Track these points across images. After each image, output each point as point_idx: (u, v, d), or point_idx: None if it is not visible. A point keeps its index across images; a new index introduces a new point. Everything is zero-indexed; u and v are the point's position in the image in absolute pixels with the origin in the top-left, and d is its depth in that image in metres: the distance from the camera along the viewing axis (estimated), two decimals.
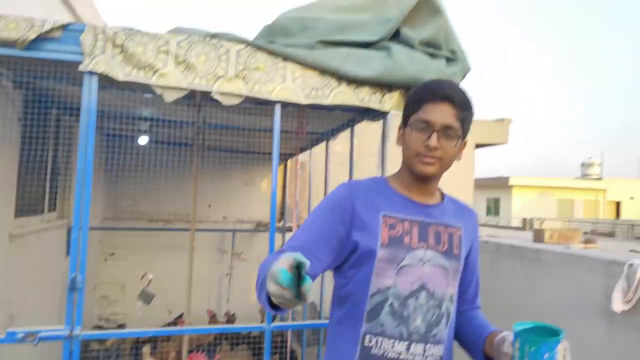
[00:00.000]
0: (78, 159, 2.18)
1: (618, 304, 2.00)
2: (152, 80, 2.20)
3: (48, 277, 3.73)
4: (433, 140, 1.27)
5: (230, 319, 5.48)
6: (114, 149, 4.19)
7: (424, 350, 1.28)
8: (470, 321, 1.43)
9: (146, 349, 4.20)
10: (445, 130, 1.29)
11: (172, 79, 2.23)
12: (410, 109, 1.35)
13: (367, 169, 4.48)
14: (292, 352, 4.51)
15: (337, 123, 3.85)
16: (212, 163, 5.02)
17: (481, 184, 26.91)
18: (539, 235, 2.99)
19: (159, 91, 2.24)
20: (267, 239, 2.60)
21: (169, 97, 2.24)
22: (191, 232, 4.07)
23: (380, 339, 1.27)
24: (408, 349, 1.27)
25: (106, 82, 2.25)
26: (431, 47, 2.53)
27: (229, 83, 2.31)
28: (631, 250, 2.61)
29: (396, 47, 2.44)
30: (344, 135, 4.16)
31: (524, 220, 20.37)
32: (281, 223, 6.08)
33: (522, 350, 1.09)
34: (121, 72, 2.17)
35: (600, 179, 29.57)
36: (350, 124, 3.75)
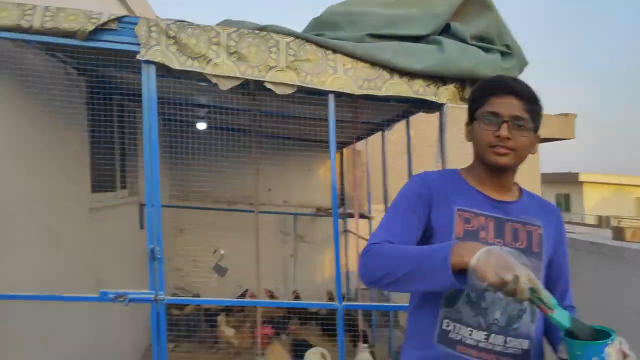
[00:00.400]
0: (143, 142, 2.31)
1: None
2: (207, 69, 2.27)
3: (125, 247, 4.04)
4: (504, 130, 1.27)
5: (297, 297, 5.70)
6: (175, 133, 4.35)
7: (505, 342, 1.28)
8: None
9: (221, 318, 4.43)
10: (515, 121, 1.28)
11: (225, 69, 2.28)
12: (475, 104, 1.36)
13: (425, 158, 4.38)
14: (363, 332, 4.59)
15: (393, 114, 3.78)
16: (270, 149, 5.10)
17: (549, 180, 25.57)
18: (618, 233, 2.82)
19: (213, 80, 2.30)
20: (328, 223, 2.65)
21: (224, 85, 2.30)
22: (255, 213, 4.24)
23: (458, 325, 1.29)
24: (487, 338, 1.27)
25: (163, 70, 2.33)
26: (484, 42, 2.45)
27: (281, 73, 2.33)
28: None
29: (447, 41, 2.38)
30: (401, 124, 4.08)
31: (599, 217, 19.19)
32: (341, 209, 6.11)
33: (571, 354, 1.09)
34: (177, 62, 2.24)
35: None
36: (405, 115, 3.67)
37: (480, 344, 1.26)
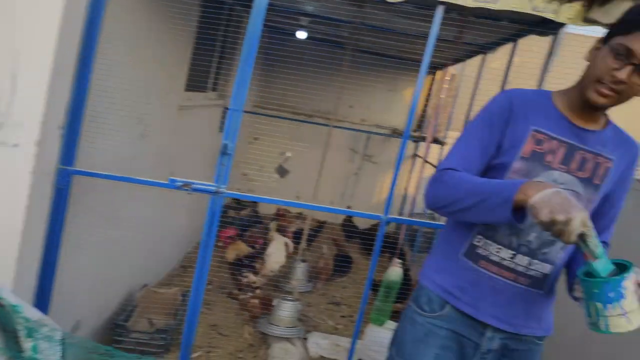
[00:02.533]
0: (243, 47, 2.31)
1: None
2: None
3: (203, 146, 4.24)
4: (623, 73, 1.18)
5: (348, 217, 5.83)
6: (273, 41, 4.40)
7: (529, 264, 1.32)
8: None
9: (273, 224, 4.77)
10: None
11: None
12: (618, 29, 1.22)
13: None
14: (402, 251, 4.73)
15: (500, 35, 3.59)
16: (361, 66, 5.06)
17: None
18: None
19: None
20: (399, 145, 2.66)
21: None
22: (330, 127, 4.31)
23: (489, 242, 1.34)
24: (513, 258, 1.32)
25: None
26: None
27: None
28: None
29: None
30: (504, 50, 3.87)
31: None
32: (417, 133, 6.06)
33: (587, 293, 1.11)
34: None
35: None
36: (514, 37, 3.48)
37: (504, 262, 1.31)
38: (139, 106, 2.76)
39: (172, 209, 3.71)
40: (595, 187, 1.32)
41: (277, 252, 4.10)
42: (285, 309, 3.35)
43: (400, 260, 3.33)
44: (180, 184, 2.25)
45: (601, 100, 1.24)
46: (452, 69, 5.68)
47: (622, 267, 1.12)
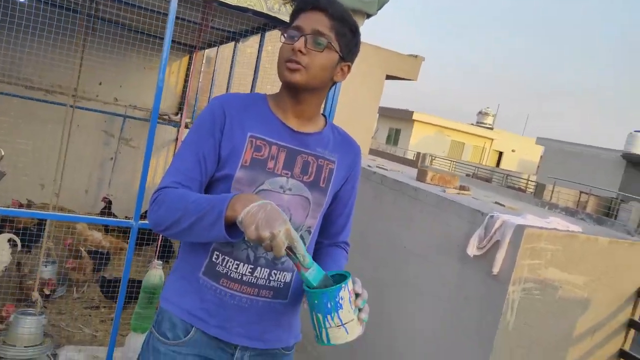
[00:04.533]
0: None
1: (472, 249, 2.18)
2: None
3: None
4: (298, 43, 1.20)
5: (109, 203, 5.25)
6: None
7: (269, 275, 1.28)
8: (322, 257, 1.43)
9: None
10: (315, 37, 1.22)
11: None
12: (290, 20, 1.29)
13: (276, 77, 4.29)
14: (168, 248, 4.47)
15: (250, 25, 3.59)
16: (107, 38, 4.48)
17: (387, 114, 27.89)
18: (421, 175, 3.13)
19: None
20: (161, 129, 2.43)
21: None
22: (68, 107, 3.70)
23: (227, 258, 1.26)
24: (252, 272, 1.27)
25: None
26: None
27: None
28: (496, 202, 2.83)
29: None
30: (258, 37, 3.91)
31: (418, 154, 21.67)
32: (178, 116, 5.78)
33: (310, 304, 1.12)
34: None
35: (491, 128, 31.96)
36: (262, 29, 3.52)
37: (245, 278, 1.26)
38: None
39: None
40: (322, 190, 1.32)
41: None
42: (25, 325, 2.73)
43: (159, 262, 3.05)
44: None
45: (294, 77, 1.22)
46: (210, 52, 5.56)
47: (343, 278, 1.12)
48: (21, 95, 4.97)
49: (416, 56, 8.06)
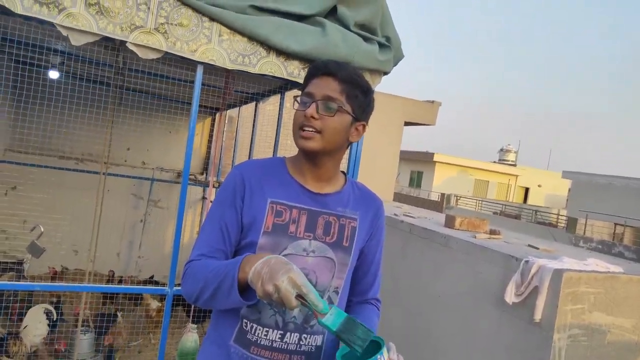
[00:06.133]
0: None
1: (510, 296, 2.12)
2: (58, 19, 1.94)
3: None
4: (310, 109, 1.23)
5: (120, 281, 5.10)
6: (24, 78, 3.77)
7: (299, 340, 1.27)
8: (353, 315, 1.43)
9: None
10: (326, 102, 1.24)
11: (81, 21, 1.98)
12: (303, 87, 1.33)
13: None
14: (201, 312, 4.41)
15: (269, 87, 3.73)
16: (133, 106, 4.69)
17: (408, 157, 27.93)
18: (450, 221, 3.11)
19: (64, 32, 1.98)
20: (188, 189, 2.51)
21: (76, 41, 2.00)
22: (101, 174, 3.82)
23: (255, 325, 1.26)
24: (282, 338, 1.26)
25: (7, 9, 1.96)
26: (366, 30, 2.46)
27: (147, 36, 2.10)
28: (529, 245, 2.77)
29: (331, 25, 2.35)
30: (278, 97, 4.04)
31: (442, 195, 21.48)
32: (204, 176, 5.92)
33: None
34: (20, 4, 1.89)
35: (514, 165, 31.65)
36: (281, 89, 3.65)
37: (275, 344, 1.25)
38: None
39: None
40: (346, 249, 1.31)
41: (34, 323, 3.39)
42: None
43: (194, 325, 3.04)
44: None
45: (309, 144, 1.24)
46: (231, 112, 5.74)
47: (376, 344, 1.10)
48: (54, 166, 5.17)
49: (433, 102, 8.17)
